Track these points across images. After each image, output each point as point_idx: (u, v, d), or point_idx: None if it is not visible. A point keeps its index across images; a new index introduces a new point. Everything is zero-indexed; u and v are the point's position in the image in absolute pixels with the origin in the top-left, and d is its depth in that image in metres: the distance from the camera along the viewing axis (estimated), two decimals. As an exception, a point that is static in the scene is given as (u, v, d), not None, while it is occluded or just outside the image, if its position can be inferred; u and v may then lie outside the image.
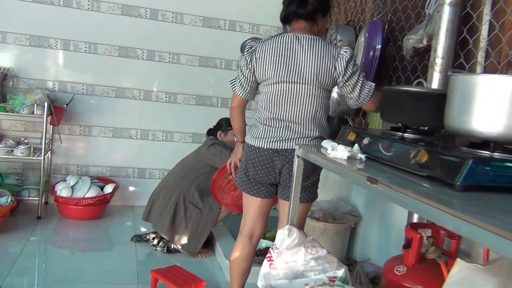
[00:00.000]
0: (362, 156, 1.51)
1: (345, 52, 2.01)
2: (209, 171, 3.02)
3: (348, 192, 2.99)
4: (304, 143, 2.04)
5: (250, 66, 2.03)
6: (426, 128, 1.74)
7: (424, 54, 2.20)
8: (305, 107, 2.01)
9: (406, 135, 1.66)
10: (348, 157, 1.51)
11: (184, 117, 4.01)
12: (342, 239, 2.79)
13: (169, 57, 3.91)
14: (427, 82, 2.03)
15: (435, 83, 2.00)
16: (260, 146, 2.03)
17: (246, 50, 2.05)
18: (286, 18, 2.06)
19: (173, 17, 3.87)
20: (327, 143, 1.67)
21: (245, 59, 2.04)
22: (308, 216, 2.40)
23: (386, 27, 2.58)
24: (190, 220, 2.98)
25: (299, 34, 2.01)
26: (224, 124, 3.23)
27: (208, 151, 3.05)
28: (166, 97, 3.95)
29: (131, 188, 3.98)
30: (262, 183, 2.09)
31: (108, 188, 3.56)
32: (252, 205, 2.14)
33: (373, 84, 2.02)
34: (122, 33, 3.78)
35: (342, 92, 2.12)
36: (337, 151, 1.54)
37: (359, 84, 2.00)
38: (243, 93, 2.10)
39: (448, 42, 1.95)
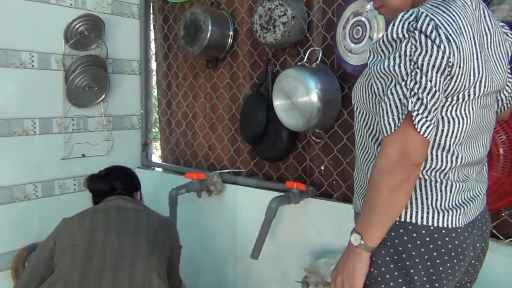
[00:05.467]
0: None
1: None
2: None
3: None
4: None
5: (454, 68, 0.93)
6: None
7: None
8: (491, 132, 1.14)
9: None
10: None
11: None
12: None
13: None
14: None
15: None
16: (455, 225, 1.02)
17: (426, 28, 0.91)
18: None
19: None
20: None
21: (440, 50, 0.90)
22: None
23: None
24: None
25: None
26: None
27: (175, 232, 1.71)
28: None
29: None
30: None
31: None
32: None
33: None
34: None
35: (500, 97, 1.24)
36: None
37: None
38: (432, 129, 0.94)
39: None
